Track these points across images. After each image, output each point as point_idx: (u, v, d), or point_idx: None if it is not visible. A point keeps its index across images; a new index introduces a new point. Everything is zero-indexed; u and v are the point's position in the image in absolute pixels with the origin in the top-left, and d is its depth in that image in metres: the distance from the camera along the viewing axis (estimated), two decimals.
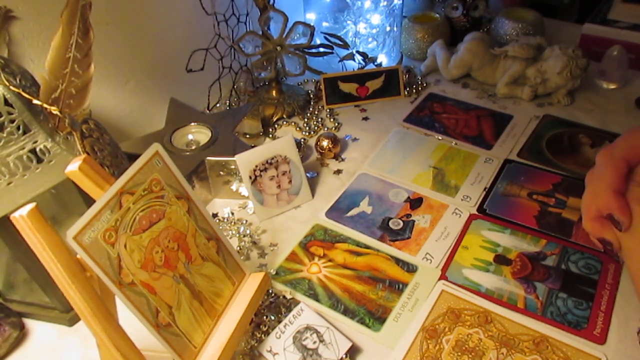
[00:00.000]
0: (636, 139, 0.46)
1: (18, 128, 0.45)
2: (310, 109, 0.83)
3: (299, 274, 0.58)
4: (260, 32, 0.75)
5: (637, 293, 0.45)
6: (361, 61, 0.86)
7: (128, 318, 0.42)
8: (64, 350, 0.52)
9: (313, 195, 0.67)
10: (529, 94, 0.81)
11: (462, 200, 0.65)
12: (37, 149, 0.46)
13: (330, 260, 0.59)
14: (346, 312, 0.53)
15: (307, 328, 0.50)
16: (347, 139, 0.77)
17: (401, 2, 0.86)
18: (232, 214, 0.65)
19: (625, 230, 0.44)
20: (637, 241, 0.43)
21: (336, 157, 0.73)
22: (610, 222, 0.44)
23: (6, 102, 0.45)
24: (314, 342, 0.49)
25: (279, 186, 0.64)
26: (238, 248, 0.61)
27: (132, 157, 0.45)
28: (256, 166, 0.62)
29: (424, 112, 0.81)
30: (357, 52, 0.86)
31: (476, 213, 0.63)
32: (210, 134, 0.69)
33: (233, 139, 0.68)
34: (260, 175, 0.63)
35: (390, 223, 0.63)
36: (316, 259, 0.59)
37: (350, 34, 0.87)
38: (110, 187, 0.40)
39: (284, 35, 0.75)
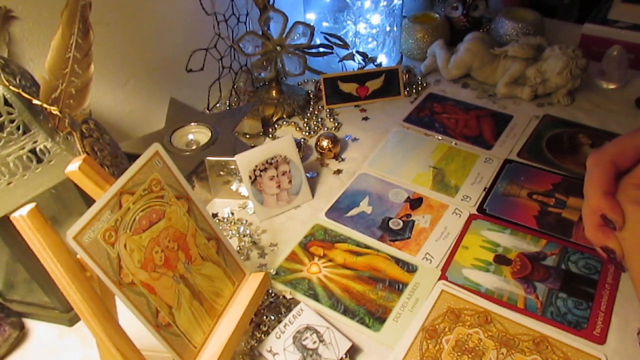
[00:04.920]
0: (625, 143, 0.47)
1: (18, 128, 0.45)
2: (310, 109, 0.83)
3: (299, 274, 0.58)
4: (260, 32, 0.75)
5: (638, 294, 0.45)
6: (361, 61, 0.86)
7: (128, 318, 0.42)
8: (64, 350, 0.52)
9: (313, 195, 0.67)
10: (529, 94, 0.81)
11: (462, 200, 0.65)
12: (37, 149, 0.46)
13: (330, 260, 0.59)
14: (346, 312, 0.53)
15: (307, 328, 0.50)
16: (347, 139, 0.77)
17: (401, 2, 0.86)
18: (232, 214, 0.65)
19: (619, 230, 0.44)
20: (637, 242, 0.43)
21: (336, 157, 0.73)
22: (604, 222, 0.45)
23: (6, 102, 0.45)
24: (314, 342, 0.49)
25: (279, 186, 0.64)
26: (238, 248, 0.61)
27: (132, 157, 0.45)
28: (256, 166, 0.62)
29: (424, 112, 0.81)
30: (357, 52, 0.86)
31: (476, 213, 0.63)
32: (210, 134, 0.69)
33: (233, 139, 0.68)
34: (260, 175, 0.63)
35: (390, 223, 0.63)
36: (316, 259, 0.59)
37: (350, 34, 0.87)
38: (110, 187, 0.40)
39: (284, 35, 0.76)
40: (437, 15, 0.95)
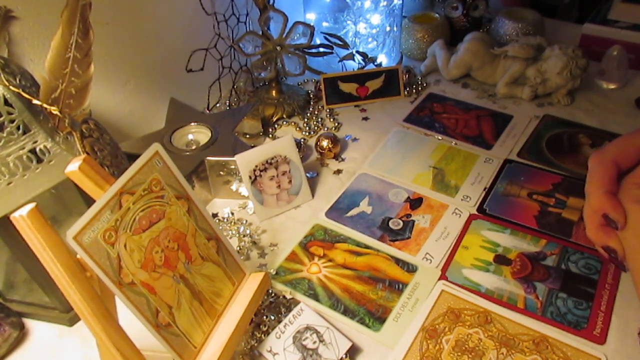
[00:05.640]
0: (626, 143, 0.47)
1: (18, 128, 0.45)
2: (310, 109, 0.83)
3: (299, 274, 0.58)
4: (260, 32, 0.75)
5: (639, 294, 0.45)
6: (361, 61, 0.86)
7: (128, 318, 0.42)
8: (64, 350, 0.52)
9: (313, 195, 0.67)
10: (529, 94, 0.81)
11: (462, 200, 0.65)
12: (37, 149, 0.46)
13: (330, 260, 0.59)
14: (346, 312, 0.53)
15: (307, 328, 0.50)
16: (347, 139, 0.77)
17: (401, 2, 0.86)
18: (232, 214, 0.65)
19: (621, 229, 0.44)
20: (639, 241, 0.43)
21: (336, 157, 0.73)
22: (606, 221, 0.45)
23: (6, 102, 0.45)
24: (314, 342, 0.49)
25: (279, 186, 0.64)
26: (238, 248, 0.61)
27: (132, 157, 0.45)
28: (256, 166, 0.62)
29: (424, 112, 0.81)
30: (357, 52, 0.86)
31: (476, 213, 0.63)
32: (210, 134, 0.69)
33: (233, 139, 0.68)
34: (260, 175, 0.63)
35: (390, 223, 0.63)
36: (316, 259, 0.59)
37: (350, 34, 0.87)
38: (110, 187, 0.40)
39: (284, 35, 0.76)
40: (437, 15, 0.95)
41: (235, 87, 0.85)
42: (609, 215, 0.45)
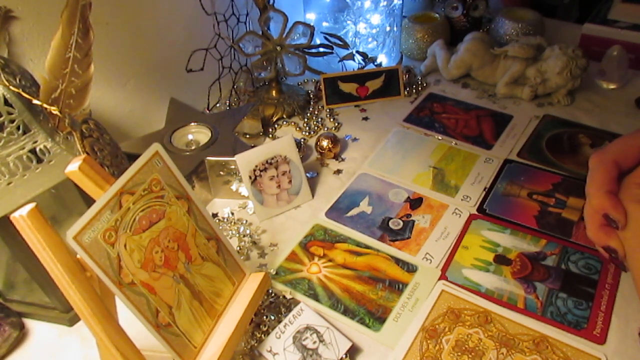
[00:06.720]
0: (627, 143, 0.47)
1: (18, 128, 0.45)
2: (310, 109, 0.83)
3: (299, 274, 0.58)
4: (260, 32, 0.75)
5: (639, 294, 0.45)
6: (361, 61, 0.86)
7: (128, 318, 0.42)
8: (64, 350, 0.52)
9: (313, 195, 0.67)
10: (529, 94, 0.81)
11: (462, 200, 0.65)
12: (37, 149, 0.46)
13: (330, 260, 0.59)
14: (346, 312, 0.53)
15: (307, 328, 0.50)
16: (347, 139, 0.77)
17: (401, 2, 0.86)
18: (232, 214, 0.65)
19: (622, 229, 0.44)
20: (639, 241, 0.43)
21: (336, 157, 0.73)
22: (607, 221, 0.45)
23: (6, 102, 0.45)
24: (314, 342, 0.49)
25: (279, 186, 0.64)
26: (238, 248, 0.61)
27: (132, 157, 0.45)
28: (256, 166, 0.62)
29: (424, 112, 0.81)
30: (357, 52, 0.86)
31: (476, 213, 0.63)
32: (210, 134, 0.69)
33: (233, 139, 0.68)
34: (260, 175, 0.63)
35: (390, 223, 0.63)
36: (316, 259, 0.59)
37: (350, 34, 0.87)
38: (110, 187, 0.40)
39: (284, 35, 0.76)
40: (437, 15, 0.95)
41: (235, 87, 0.85)
42: (609, 215, 0.45)
